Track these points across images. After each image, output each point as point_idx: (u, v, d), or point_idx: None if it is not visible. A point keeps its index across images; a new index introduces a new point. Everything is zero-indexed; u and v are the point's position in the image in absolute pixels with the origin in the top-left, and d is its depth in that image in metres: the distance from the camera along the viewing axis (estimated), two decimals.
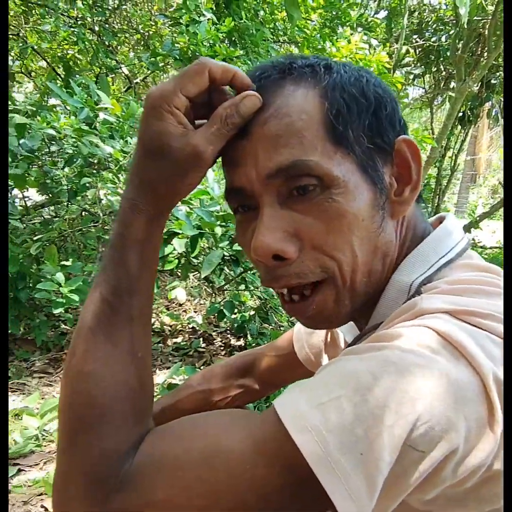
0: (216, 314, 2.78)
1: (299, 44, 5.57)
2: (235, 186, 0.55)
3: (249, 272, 2.52)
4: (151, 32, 4.73)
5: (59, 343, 2.53)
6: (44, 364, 2.37)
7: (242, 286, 2.57)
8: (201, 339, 2.85)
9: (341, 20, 6.07)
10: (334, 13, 6.11)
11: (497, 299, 0.46)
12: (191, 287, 3.48)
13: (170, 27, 4.67)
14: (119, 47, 4.76)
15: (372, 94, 0.53)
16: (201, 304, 3.48)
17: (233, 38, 4.24)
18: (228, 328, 3.04)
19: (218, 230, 1.96)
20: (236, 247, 2.02)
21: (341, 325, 0.63)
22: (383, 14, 8.72)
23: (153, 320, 3.04)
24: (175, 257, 2.41)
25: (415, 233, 0.57)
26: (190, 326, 3.06)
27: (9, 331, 2.48)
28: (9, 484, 1.51)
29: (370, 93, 0.53)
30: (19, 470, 1.58)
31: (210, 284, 2.67)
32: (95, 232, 2.74)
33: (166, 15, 4.38)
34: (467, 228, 6.95)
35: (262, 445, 0.40)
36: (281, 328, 2.61)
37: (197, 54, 3.89)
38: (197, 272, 2.80)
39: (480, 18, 5.78)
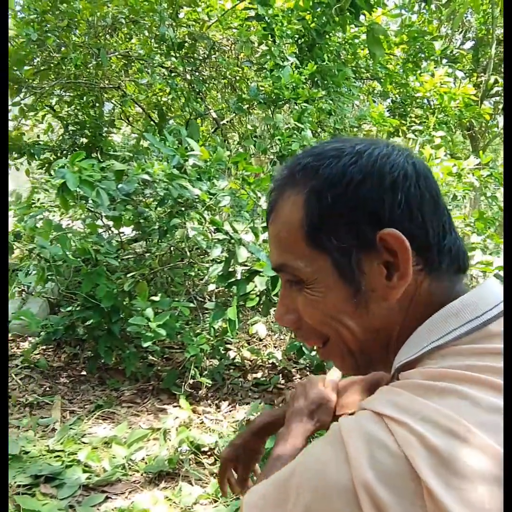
0: (295, 352, 2.80)
1: (382, 80, 5.59)
2: None
3: None
4: (238, 77, 4.99)
5: (147, 374, 2.67)
6: (132, 394, 2.51)
7: None
8: (280, 375, 2.87)
9: (425, 53, 6.00)
10: (417, 46, 6.06)
11: (455, 400, 0.45)
12: (272, 322, 3.53)
13: (255, 72, 4.91)
14: (207, 92, 5.05)
15: (351, 195, 0.56)
16: (281, 339, 3.51)
17: (315, 79, 4.35)
18: (307, 364, 3.04)
19: None
20: None
21: (362, 375, 0.71)
22: (469, 44, 8.54)
23: (234, 354, 3.12)
24: (256, 294, 2.48)
25: (424, 312, 0.57)
26: (270, 361, 3.10)
27: (103, 361, 2.66)
28: (97, 511, 1.61)
29: (348, 195, 0.56)
30: (107, 498, 1.68)
31: None
32: (183, 268, 2.90)
33: (252, 61, 4.61)
34: None
35: None
36: None
37: (281, 97, 4.04)
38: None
39: None
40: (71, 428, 2.06)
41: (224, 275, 2.49)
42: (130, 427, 2.14)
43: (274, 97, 4.02)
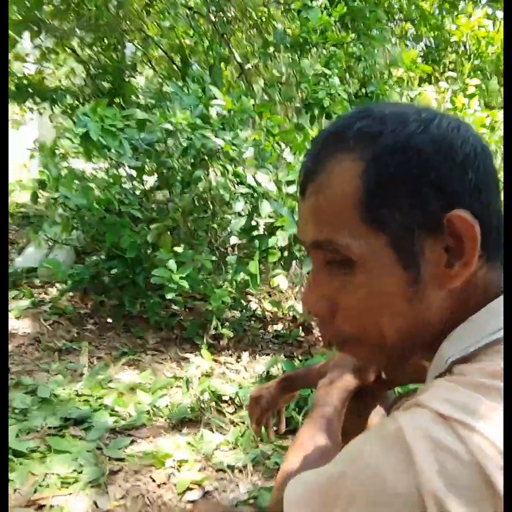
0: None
1: (416, 22, 5.28)
2: (299, 238, 0.61)
3: None
4: (264, 18, 4.77)
5: (170, 323, 2.73)
6: (156, 342, 2.58)
7: None
8: (300, 328, 2.91)
9: None
10: None
11: None
12: (293, 274, 3.54)
13: (282, 13, 4.68)
14: (232, 35, 4.86)
15: (421, 165, 0.50)
16: (302, 292, 3.53)
17: (345, 22, 4.13)
18: None
19: None
20: None
21: (395, 369, 0.69)
22: None
23: (255, 306, 3.17)
24: (279, 249, 2.47)
25: (479, 301, 0.53)
26: (291, 314, 3.13)
27: (127, 309, 2.73)
28: (123, 453, 1.69)
29: (417, 165, 0.50)
30: (132, 441, 1.76)
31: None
32: (205, 221, 2.90)
33: (279, 1, 4.39)
34: None
35: None
36: None
37: (308, 40, 3.87)
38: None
39: None
40: (98, 374, 2.14)
41: (246, 228, 2.48)
42: (154, 375, 2.22)
43: (301, 41, 3.85)
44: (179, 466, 1.61)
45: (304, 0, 3.84)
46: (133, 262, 2.57)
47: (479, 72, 4.60)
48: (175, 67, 4.95)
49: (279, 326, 2.96)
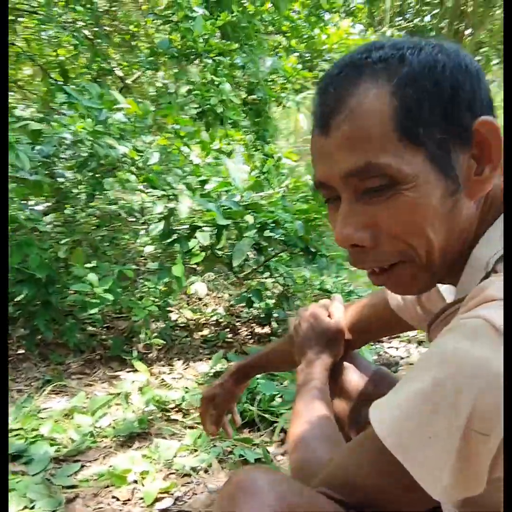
0: (238, 305, 2.83)
1: (287, 35, 5.59)
2: (319, 180, 0.61)
3: (272, 260, 2.57)
4: (141, 32, 4.73)
5: (91, 344, 2.56)
6: (80, 365, 2.40)
7: (266, 274, 2.62)
8: (227, 330, 2.88)
9: (324, 7, 6.03)
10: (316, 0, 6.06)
11: None
12: (208, 281, 3.51)
13: (161, 26, 4.67)
14: (110, 48, 4.75)
15: (448, 82, 0.54)
16: (219, 297, 3.51)
17: (226, 32, 4.24)
18: (250, 318, 3.08)
19: (250, 219, 1.99)
20: (267, 234, 2.06)
21: (423, 292, 0.69)
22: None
23: (176, 316, 3.08)
24: (200, 250, 2.44)
25: (499, 207, 0.58)
26: (213, 319, 3.10)
27: (41, 336, 2.50)
28: (75, 480, 1.54)
29: (445, 81, 0.54)
30: (82, 466, 1.61)
31: (235, 274, 2.71)
32: (115, 232, 2.77)
33: (157, 13, 4.38)
34: None
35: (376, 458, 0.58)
36: None
37: (193, 50, 3.91)
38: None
39: None
40: (24, 406, 1.93)
41: (165, 233, 2.42)
42: (87, 397, 2.05)
43: (186, 51, 3.87)
44: (142, 478, 1.50)
45: (185, 11, 3.88)
46: (45, 283, 2.36)
47: None
48: (53, 83, 4.69)
49: (205, 331, 2.91)
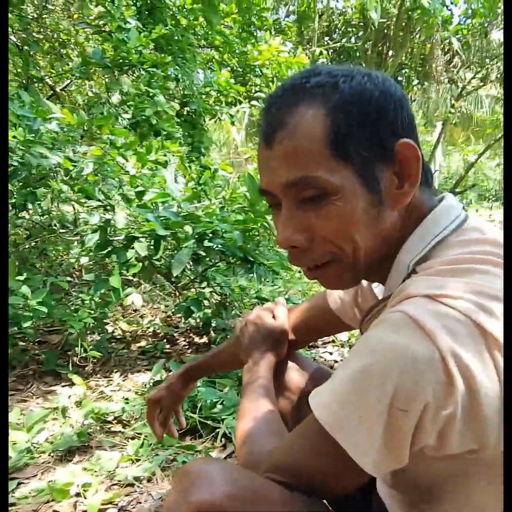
0: (175, 315, 2.83)
1: (221, 49, 5.68)
2: (263, 188, 0.69)
3: (209, 269, 2.61)
4: (71, 40, 4.64)
5: (23, 359, 2.47)
6: (12, 381, 2.31)
7: (204, 284, 2.65)
8: (165, 340, 2.88)
9: (256, 24, 6.20)
10: (247, 17, 6.22)
11: (480, 276, 0.56)
12: (143, 292, 3.49)
13: (92, 35, 4.62)
14: (40, 56, 4.62)
15: (374, 108, 0.62)
16: (155, 308, 3.50)
17: (160, 45, 4.27)
18: (188, 328, 3.10)
19: (189, 229, 2.03)
20: (206, 244, 2.10)
21: (349, 287, 0.79)
22: (292, 18, 9.07)
23: (112, 328, 3.04)
24: (138, 260, 2.44)
25: (419, 216, 0.67)
26: (150, 330, 3.08)
27: None
28: (13, 498, 1.50)
29: (371, 107, 0.62)
30: (19, 483, 1.57)
31: (173, 285, 2.72)
32: (47, 243, 2.70)
33: (88, 22, 4.33)
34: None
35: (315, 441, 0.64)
36: None
37: (127, 61, 3.90)
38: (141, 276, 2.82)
39: (384, 20, 6.21)
40: None
41: (101, 243, 2.39)
42: (22, 414, 1.99)
43: (119, 61, 3.86)
44: (84, 491, 1.48)
45: (117, 22, 3.87)
46: None
47: None
48: None
49: (142, 343, 2.89)
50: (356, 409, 0.56)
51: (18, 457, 1.66)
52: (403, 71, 7.32)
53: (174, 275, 2.06)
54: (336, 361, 2.58)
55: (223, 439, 1.78)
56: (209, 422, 1.84)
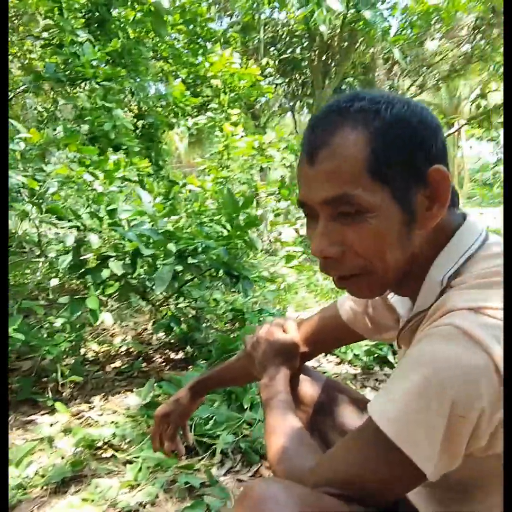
0: (146, 332, 2.79)
1: (170, 60, 5.67)
2: (302, 200, 0.74)
3: (185, 285, 2.60)
4: (18, 54, 4.49)
5: None
6: None
7: (180, 299, 2.64)
8: (140, 359, 2.84)
9: (202, 34, 6.20)
10: (192, 27, 6.19)
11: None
12: (111, 310, 3.41)
13: (38, 49, 4.48)
14: None
15: (412, 135, 0.67)
16: (124, 326, 3.43)
17: (112, 59, 4.21)
18: (161, 344, 3.06)
19: (172, 247, 2.02)
20: (191, 260, 2.09)
21: (374, 298, 0.87)
22: (236, 28, 9.16)
23: (83, 350, 2.95)
24: (114, 280, 2.40)
25: (446, 235, 0.73)
26: (123, 349, 3.02)
27: None
28: None
29: (409, 134, 0.67)
30: None
31: (148, 302, 2.68)
32: (14, 266, 2.59)
33: (36, 36, 4.21)
34: None
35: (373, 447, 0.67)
36: (227, 333, 2.72)
37: (80, 75, 3.82)
38: (117, 295, 2.77)
39: (329, 31, 6.40)
40: None
41: (75, 264, 2.33)
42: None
43: (74, 75, 3.77)
44: None
45: (67, 35, 3.79)
46: None
47: (236, 103, 5.20)
48: None
49: (117, 363, 2.83)
50: (420, 420, 0.61)
51: (10, 494, 1.59)
52: (347, 80, 7.58)
53: (157, 293, 2.04)
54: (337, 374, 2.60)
55: (220, 454, 1.78)
56: (204, 439, 1.84)
